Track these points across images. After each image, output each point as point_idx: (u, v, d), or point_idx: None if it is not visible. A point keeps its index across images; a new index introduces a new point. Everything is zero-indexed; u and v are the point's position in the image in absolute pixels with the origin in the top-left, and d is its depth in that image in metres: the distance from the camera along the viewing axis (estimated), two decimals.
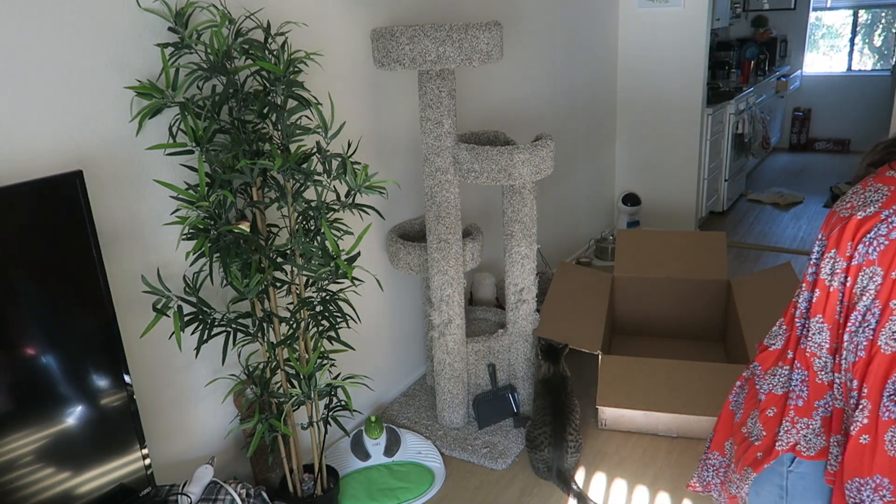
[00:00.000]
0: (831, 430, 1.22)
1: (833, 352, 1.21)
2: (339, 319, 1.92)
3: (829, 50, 7.17)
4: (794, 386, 1.24)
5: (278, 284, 1.90)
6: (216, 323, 1.79)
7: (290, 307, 2.14)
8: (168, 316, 1.79)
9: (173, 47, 1.69)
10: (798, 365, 1.24)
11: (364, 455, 2.44)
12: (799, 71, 7.11)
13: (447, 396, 2.60)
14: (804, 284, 1.26)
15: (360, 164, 1.88)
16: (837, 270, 1.19)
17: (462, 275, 2.48)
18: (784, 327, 1.31)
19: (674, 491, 2.31)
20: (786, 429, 1.24)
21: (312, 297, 1.91)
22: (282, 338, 1.86)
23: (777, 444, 1.25)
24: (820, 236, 1.24)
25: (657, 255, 3.19)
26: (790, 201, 5.43)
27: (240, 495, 1.78)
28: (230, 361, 2.09)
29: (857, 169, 1.31)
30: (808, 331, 1.23)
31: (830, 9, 7.00)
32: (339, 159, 1.80)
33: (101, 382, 1.57)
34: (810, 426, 1.22)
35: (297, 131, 1.76)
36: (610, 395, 2.56)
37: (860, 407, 1.15)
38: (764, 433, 1.28)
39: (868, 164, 1.28)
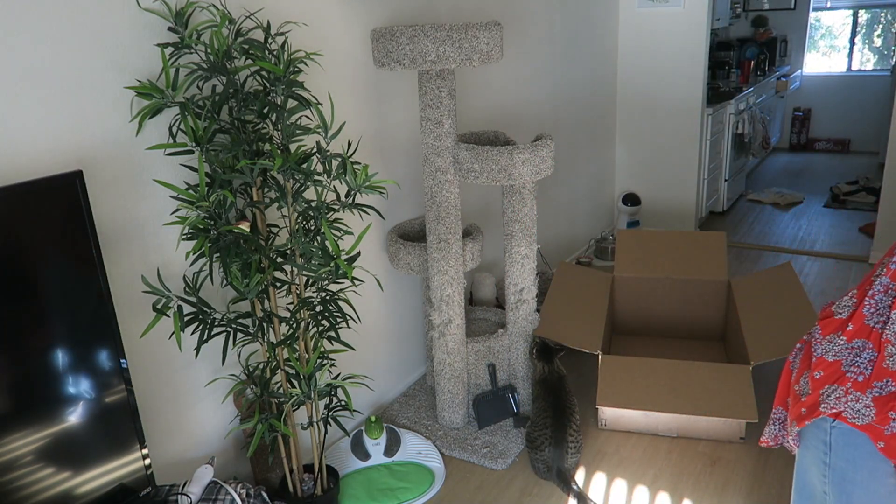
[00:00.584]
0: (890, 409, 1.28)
1: None
2: (339, 319, 1.92)
3: (829, 50, 7.17)
4: (860, 362, 1.31)
5: (278, 284, 1.90)
6: (216, 323, 1.79)
7: (290, 307, 2.14)
8: (168, 316, 1.79)
9: (173, 47, 1.70)
10: (870, 345, 1.31)
11: (364, 455, 2.44)
12: (799, 71, 7.11)
13: (447, 396, 2.60)
14: (885, 270, 1.31)
15: (360, 164, 1.88)
16: None
17: (462, 275, 2.48)
18: (853, 300, 1.37)
19: (674, 491, 2.31)
20: (836, 396, 1.31)
21: (312, 297, 1.91)
22: (282, 338, 1.86)
23: (822, 405, 1.33)
24: None
25: (657, 255, 3.19)
26: (790, 201, 5.43)
27: (240, 495, 1.78)
28: (230, 361, 2.09)
29: None
30: (890, 319, 1.28)
31: (830, 9, 7.00)
32: (339, 159, 1.80)
33: (101, 382, 1.57)
34: (861, 400, 1.29)
35: (297, 131, 1.76)
36: (610, 395, 2.56)
37: None
38: (809, 392, 1.37)
39: None
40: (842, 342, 1.34)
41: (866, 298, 1.32)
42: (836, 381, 1.32)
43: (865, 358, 1.31)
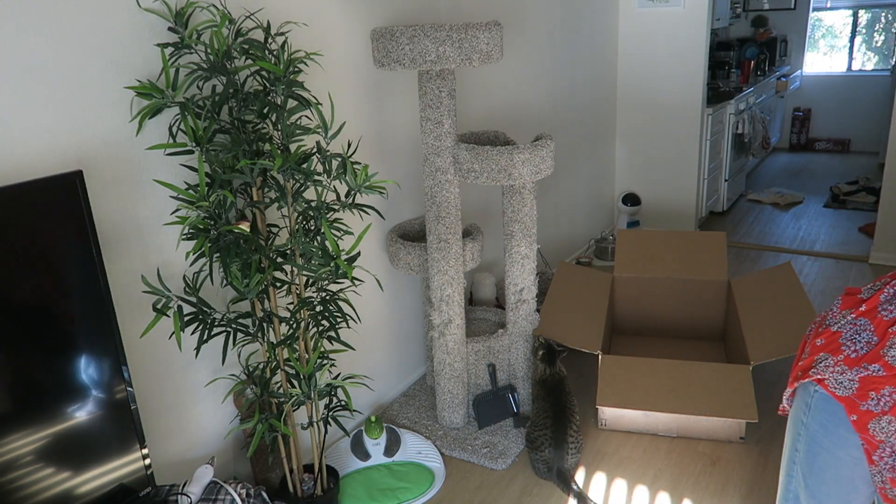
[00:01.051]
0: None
1: None
2: (339, 319, 1.92)
3: (829, 50, 7.17)
4: (858, 340, 1.36)
5: (278, 284, 1.90)
6: (216, 323, 1.79)
7: (290, 307, 2.14)
8: (168, 316, 1.79)
9: (173, 47, 1.70)
10: (871, 328, 1.35)
11: (364, 455, 2.44)
12: (799, 71, 7.11)
13: (447, 396, 2.60)
14: None
15: (360, 164, 1.88)
16: None
17: (462, 275, 2.48)
18: (878, 285, 1.41)
19: (674, 491, 2.31)
20: (826, 364, 1.37)
21: (312, 297, 1.91)
22: (282, 338, 1.86)
23: (812, 370, 1.39)
24: None
25: (657, 255, 3.19)
26: (790, 201, 5.43)
27: (240, 495, 1.78)
28: (230, 361, 2.09)
29: None
30: None
31: (830, 9, 7.00)
32: (339, 159, 1.80)
33: (101, 382, 1.57)
34: (846, 374, 1.34)
35: (297, 131, 1.76)
36: (610, 395, 2.56)
37: None
38: (806, 356, 1.44)
39: None
40: (850, 318, 1.39)
41: (886, 287, 1.36)
42: (831, 350, 1.38)
43: (864, 339, 1.35)
